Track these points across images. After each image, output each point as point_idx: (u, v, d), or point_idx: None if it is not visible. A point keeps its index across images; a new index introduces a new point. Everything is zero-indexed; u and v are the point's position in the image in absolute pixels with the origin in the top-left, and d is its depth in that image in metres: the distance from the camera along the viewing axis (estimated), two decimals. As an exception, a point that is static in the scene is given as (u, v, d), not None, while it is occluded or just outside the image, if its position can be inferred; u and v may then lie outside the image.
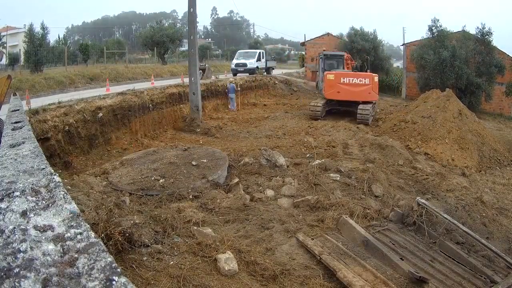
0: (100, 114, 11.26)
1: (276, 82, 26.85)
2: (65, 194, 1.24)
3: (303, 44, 34.78)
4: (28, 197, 1.24)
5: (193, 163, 8.46)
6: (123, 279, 0.78)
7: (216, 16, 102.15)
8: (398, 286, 4.81)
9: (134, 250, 4.80)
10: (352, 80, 16.54)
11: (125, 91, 13.26)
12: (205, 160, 8.65)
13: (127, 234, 4.82)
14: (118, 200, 6.47)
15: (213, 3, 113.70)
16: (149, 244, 5.03)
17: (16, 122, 3.04)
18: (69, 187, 6.66)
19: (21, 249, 0.91)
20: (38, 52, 19.47)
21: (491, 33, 22.80)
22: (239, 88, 19.71)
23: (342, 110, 17.48)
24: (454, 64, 21.95)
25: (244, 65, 26.36)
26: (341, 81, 16.57)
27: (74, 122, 10.26)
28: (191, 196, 7.09)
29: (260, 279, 4.74)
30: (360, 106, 15.97)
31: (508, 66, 23.21)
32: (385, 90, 32.42)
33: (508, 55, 24.42)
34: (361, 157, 10.58)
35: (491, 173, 11.15)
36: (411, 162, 10.54)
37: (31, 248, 0.92)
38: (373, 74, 17.38)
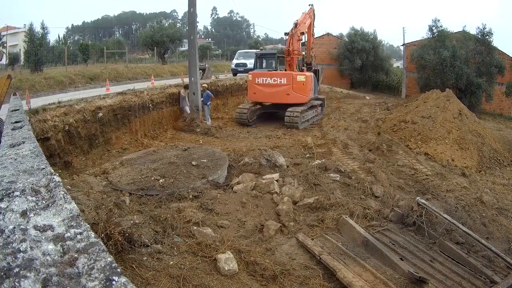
0: (100, 114, 11.24)
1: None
2: (65, 194, 1.24)
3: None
4: (28, 197, 1.24)
5: (193, 163, 8.45)
6: (123, 279, 0.78)
7: (216, 16, 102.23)
8: (398, 286, 4.81)
9: (134, 250, 4.80)
10: (266, 80, 14.98)
11: (125, 91, 13.24)
12: (205, 160, 8.64)
13: (127, 234, 4.81)
14: (118, 200, 6.46)
15: (213, 3, 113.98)
16: (149, 244, 5.02)
17: (16, 122, 3.05)
18: (69, 187, 6.65)
19: (21, 249, 0.91)
20: (38, 52, 19.42)
21: (492, 34, 22.84)
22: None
23: (278, 114, 15.45)
24: (454, 64, 21.96)
25: (244, 65, 26.34)
26: (256, 82, 15.16)
27: (74, 122, 10.24)
28: (191, 196, 7.08)
29: (260, 279, 4.74)
30: (289, 109, 14.38)
31: (508, 66, 23.22)
32: (385, 90, 32.53)
33: (508, 55, 24.44)
34: (361, 157, 10.59)
35: (491, 173, 11.14)
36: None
37: (31, 248, 0.92)
38: (295, 73, 15.20)
